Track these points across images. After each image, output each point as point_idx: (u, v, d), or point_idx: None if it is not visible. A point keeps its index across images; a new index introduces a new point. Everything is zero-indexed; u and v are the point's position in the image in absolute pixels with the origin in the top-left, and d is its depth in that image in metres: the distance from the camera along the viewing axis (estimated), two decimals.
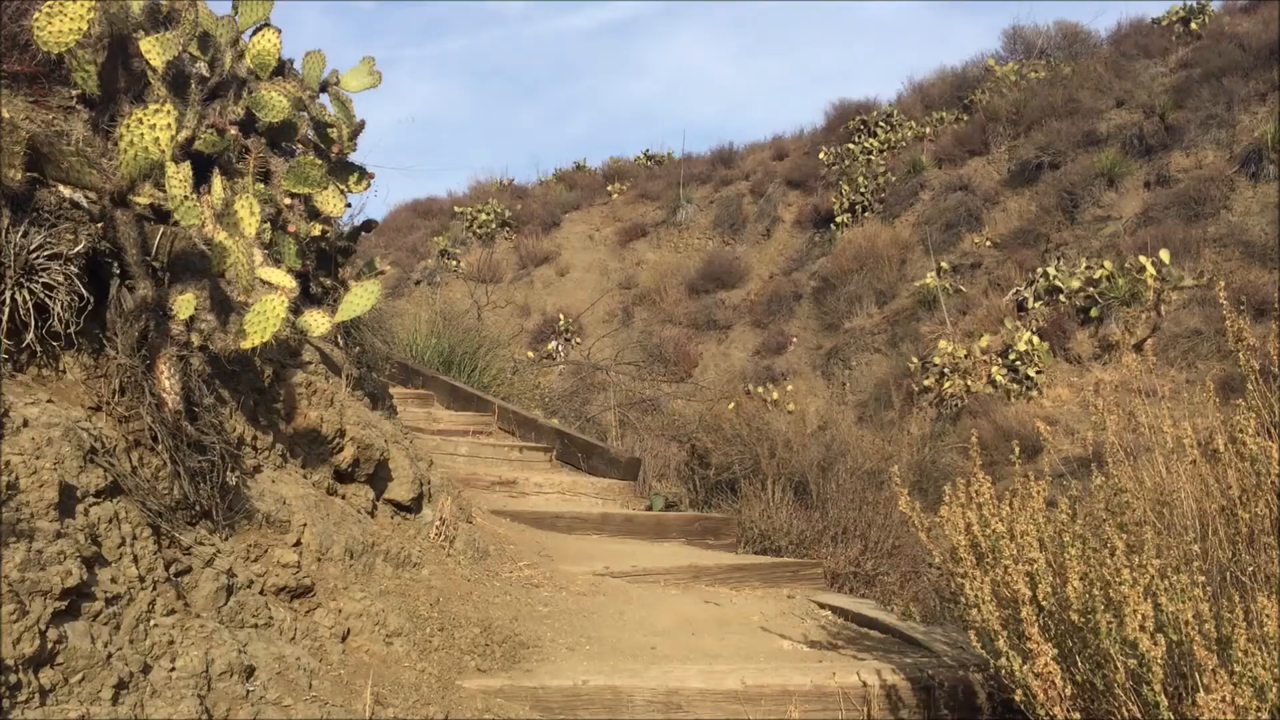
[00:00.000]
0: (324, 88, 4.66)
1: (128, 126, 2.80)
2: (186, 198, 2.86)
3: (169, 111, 2.80)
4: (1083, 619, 2.79)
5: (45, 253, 2.76)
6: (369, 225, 5.28)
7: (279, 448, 3.75)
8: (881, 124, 22.25)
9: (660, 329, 21.06)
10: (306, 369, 4.22)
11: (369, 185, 4.80)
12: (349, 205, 5.35)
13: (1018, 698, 2.94)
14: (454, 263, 23.64)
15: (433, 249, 24.40)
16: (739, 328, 20.72)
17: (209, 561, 2.97)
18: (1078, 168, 18.30)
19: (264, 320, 3.22)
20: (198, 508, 3.08)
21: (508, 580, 5.04)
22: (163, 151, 2.83)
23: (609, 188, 25.65)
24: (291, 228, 4.24)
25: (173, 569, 2.86)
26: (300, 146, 4.65)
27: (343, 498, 4.21)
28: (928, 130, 21.61)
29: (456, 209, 25.60)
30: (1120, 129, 18.40)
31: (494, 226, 24.64)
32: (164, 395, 2.93)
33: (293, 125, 4.47)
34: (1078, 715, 2.63)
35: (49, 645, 2.34)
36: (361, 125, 4.69)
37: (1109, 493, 3.18)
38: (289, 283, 4.03)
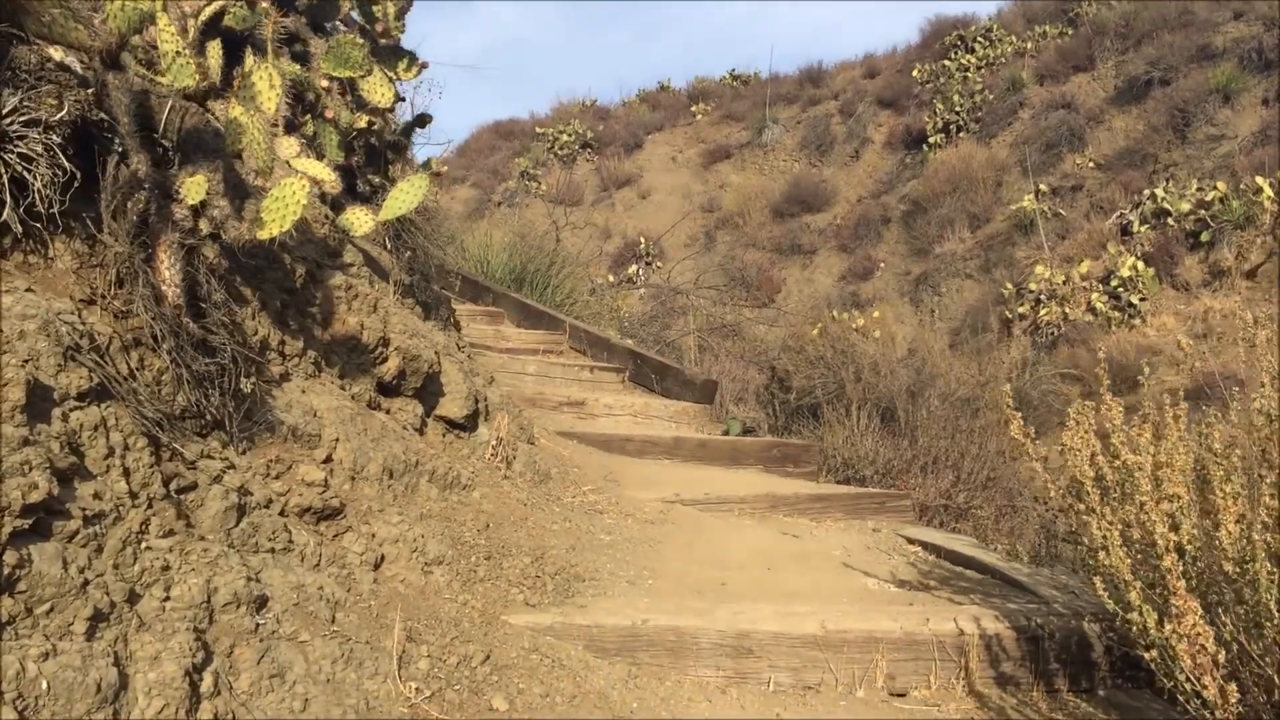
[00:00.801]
0: None
1: None
2: (179, 54, 2.46)
3: None
4: (1238, 569, 2.32)
5: (21, 118, 2.39)
6: (423, 120, 4.86)
7: (311, 354, 3.38)
8: (980, 39, 21.22)
9: (743, 253, 20.50)
10: (347, 271, 3.84)
11: (419, 72, 4.38)
12: (401, 98, 4.94)
13: (1149, 656, 2.48)
14: (535, 184, 23.24)
15: (513, 170, 24.02)
16: (824, 253, 20.08)
17: (217, 477, 2.62)
18: (1190, 84, 17.22)
19: (283, 207, 2.83)
20: (208, 417, 2.73)
21: (569, 505, 4.67)
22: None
23: (693, 108, 24.96)
24: (330, 113, 3.84)
25: (174, 485, 2.51)
26: (343, 27, 4.24)
27: (386, 412, 3.85)
28: (1029, 45, 20.55)
29: (538, 130, 25.15)
30: (1237, 42, 17.24)
31: (575, 148, 24.15)
32: (163, 287, 2.57)
33: (333, 2, 4.05)
34: (1233, 687, 2.15)
35: (6, 570, 2.00)
36: (409, 2, 4.25)
37: (1267, 418, 2.67)
38: (328, 176, 3.65)
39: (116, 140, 2.66)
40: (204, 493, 2.57)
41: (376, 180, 4.41)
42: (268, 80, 2.96)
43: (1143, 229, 15.13)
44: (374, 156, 4.50)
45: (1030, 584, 3.66)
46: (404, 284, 4.47)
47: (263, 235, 2.84)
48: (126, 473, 2.37)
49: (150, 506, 2.40)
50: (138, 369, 2.56)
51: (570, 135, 24.30)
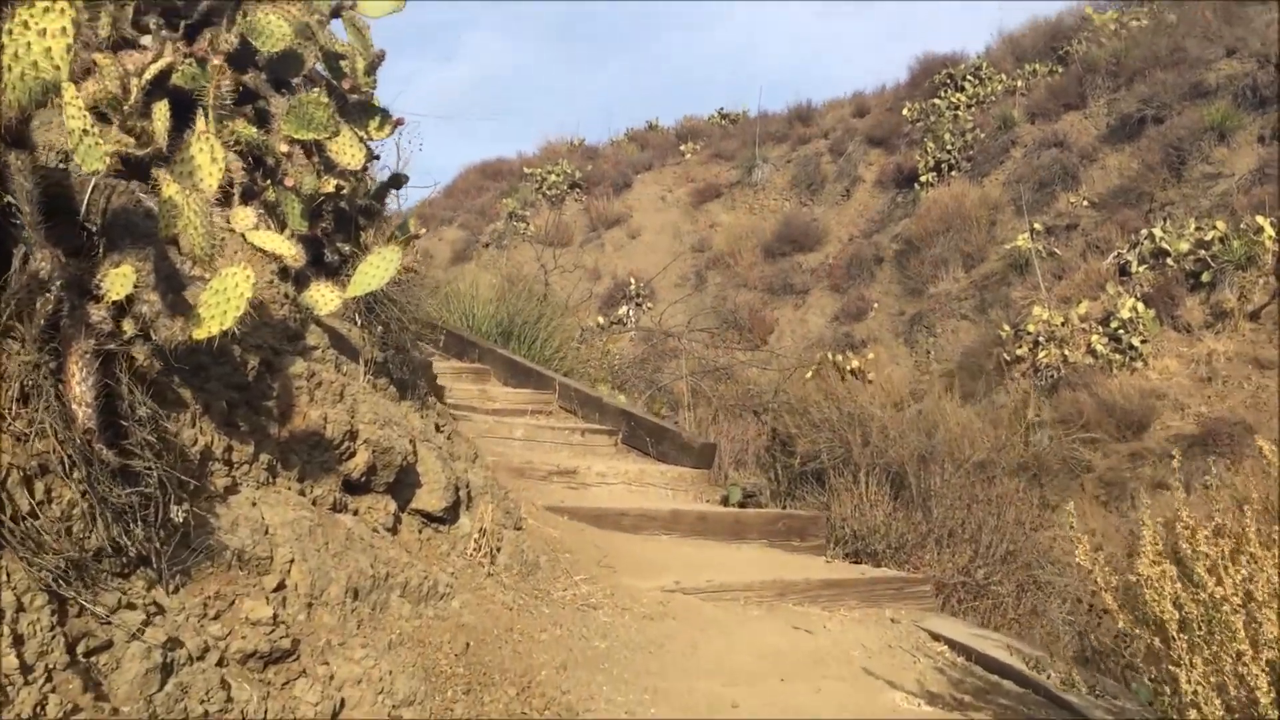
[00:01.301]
0: (337, 12, 3.83)
1: (8, 33, 1.98)
2: (86, 132, 2.04)
3: (64, 10, 1.97)
4: None
5: None
6: (398, 181, 4.45)
7: (265, 459, 2.95)
8: (969, 77, 20.98)
9: (734, 293, 20.13)
10: (310, 356, 3.41)
11: (393, 130, 3.97)
12: (375, 157, 4.54)
13: None
14: (523, 225, 22.87)
15: (501, 211, 23.65)
16: (817, 292, 19.71)
17: (137, 632, 2.18)
18: (1184, 121, 16.93)
19: (223, 301, 2.41)
20: (131, 554, 2.29)
21: (560, 602, 4.23)
22: (57, 68, 2.00)
23: (682, 147, 24.65)
24: (290, 181, 3.43)
25: (82, 648, 2.07)
26: (309, 84, 3.83)
27: (355, 513, 3.41)
28: (1019, 84, 20.29)
29: (526, 170, 24.79)
30: (1231, 80, 16.98)
31: (564, 188, 23.80)
32: (73, 406, 2.14)
33: (296, 56, 3.64)
34: None
35: None
36: (380, 57, 3.85)
37: None
38: (288, 250, 3.23)
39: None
40: (120, 652, 2.13)
41: (347, 249, 3.99)
42: (209, 153, 2.54)
43: (1141, 269, 14.79)
44: (344, 222, 4.09)
45: (1082, 707, 3.22)
46: (376, 362, 4.04)
47: (199, 335, 2.41)
48: (19, 641, 1.93)
49: (50, 680, 1.95)
50: (42, 504, 2.12)
51: (558, 175, 23.96)
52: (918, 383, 17.19)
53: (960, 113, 20.25)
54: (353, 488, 3.44)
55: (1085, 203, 17.34)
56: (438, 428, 4.43)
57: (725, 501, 6.58)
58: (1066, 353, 14.37)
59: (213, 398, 2.77)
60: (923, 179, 19.62)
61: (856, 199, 21.07)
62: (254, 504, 2.80)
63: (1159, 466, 12.36)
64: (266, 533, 2.75)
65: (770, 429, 7.74)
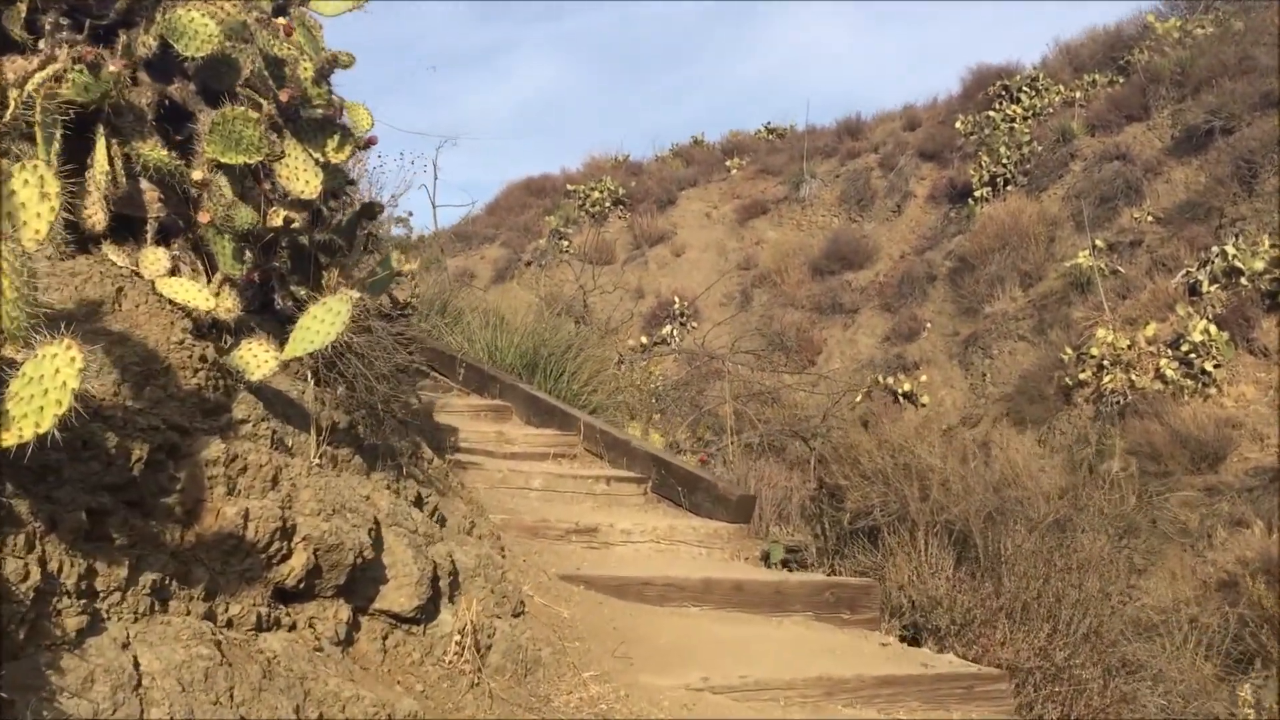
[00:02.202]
0: (282, 9, 3.14)
1: None
2: None
3: None
4: None
5: None
6: (370, 210, 3.75)
7: (149, 580, 2.25)
8: (1025, 89, 20.04)
9: (781, 313, 19.33)
10: (235, 433, 2.71)
11: (355, 153, 3.27)
12: (351, 182, 3.86)
13: None
14: (565, 243, 22.24)
15: (544, 228, 23.04)
16: (866, 312, 18.87)
17: None
18: (1255, 133, 15.93)
19: (39, 395, 1.70)
20: None
21: (562, 710, 3.50)
22: None
23: (728, 163, 23.92)
24: (205, 216, 2.73)
25: None
26: (253, 95, 3.14)
27: (290, 629, 2.70)
28: (1078, 95, 19.34)
29: (569, 187, 24.18)
30: None
31: (607, 205, 23.14)
32: None
33: (228, 62, 2.95)
34: None
35: None
36: (333, 61, 3.14)
37: None
38: (203, 301, 2.56)
39: None
40: None
41: (303, 293, 3.30)
42: (36, 188, 1.85)
43: (1213, 289, 13.81)
44: (302, 262, 3.39)
45: None
46: (339, 428, 3.33)
47: (8, 440, 1.71)
48: None
49: None
50: None
51: (602, 192, 23.31)
52: (973, 407, 16.31)
53: (1016, 125, 19.35)
54: (290, 596, 2.74)
55: (1150, 218, 16.39)
56: (419, 500, 3.71)
57: (766, 559, 5.83)
58: (1134, 378, 13.45)
59: (65, 508, 2.07)
60: (977, 194, 18.73)
61: (908, 215, 20.21)
62: (125, 645, 2.09)
63: (1237, 502, 11.43)
64: (138, 686, 2.04)
65: (817, 477, 6.97)
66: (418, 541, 3.27)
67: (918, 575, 5.14)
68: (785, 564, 5.88)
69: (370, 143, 3.53)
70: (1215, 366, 12.86)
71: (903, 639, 5.11)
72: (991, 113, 19.89)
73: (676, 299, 20.06)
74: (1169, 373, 13.11)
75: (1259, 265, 13.40)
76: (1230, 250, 13.84)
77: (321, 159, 3.21)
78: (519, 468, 6.18)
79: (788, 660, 4.18)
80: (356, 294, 3.26)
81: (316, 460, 3.06)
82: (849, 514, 5.69)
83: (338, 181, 3.70)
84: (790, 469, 7.50)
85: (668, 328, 19.97)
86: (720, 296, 20.27)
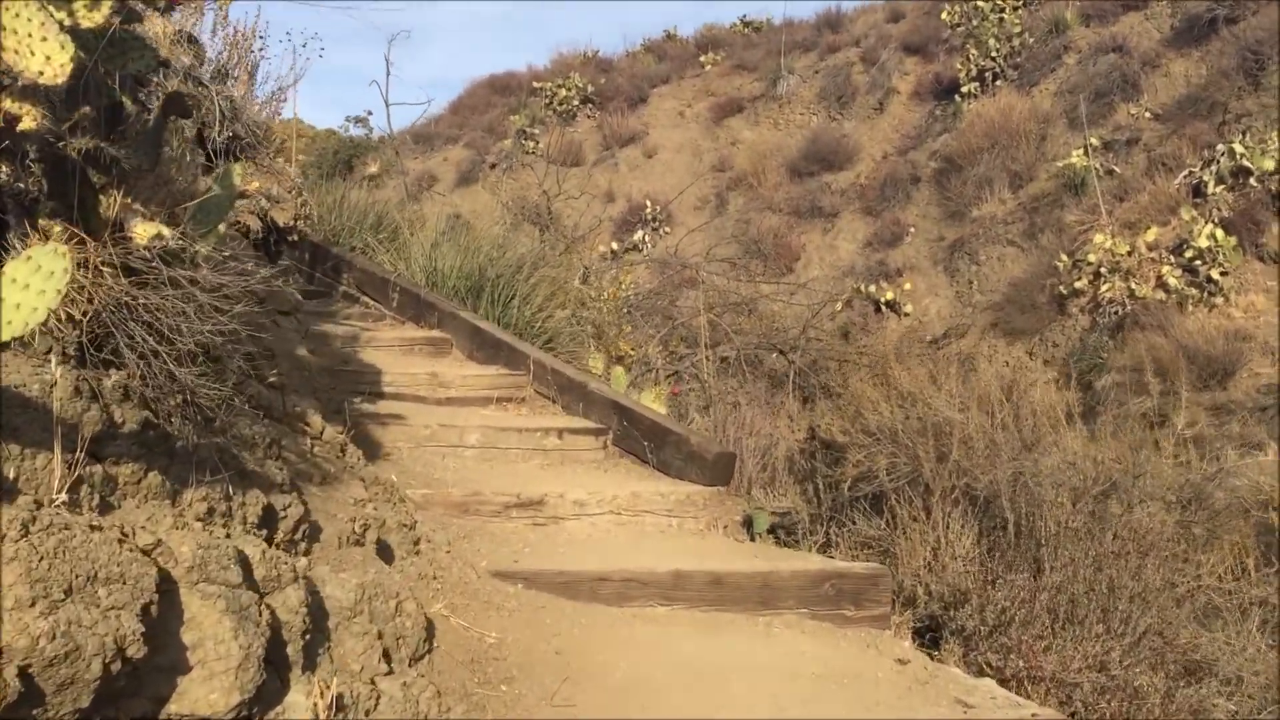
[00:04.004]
0: None
1: None
2: None
3: None
4: None
5: None
6: (179, 105, 2.55)
7: None
8: None
9: (758, 217, 18.09)
10: None
11: (114, 10, 2.07)
12: (164, 64, 2.67)
13: None
14: (532, 144, 20.82)
15: (509, 129, 21.58)
16: (847, 215, 17.66)
17: None
18: (1262, 21, 14.66)
19: None
20: None
21: None
22: None
23: (702, 59, 22.40)
24: None
25: None
26: None
27: None
28: None
29: (536, 84, 22.64)
30: None
31: (575, 104, 21.66)
32: None
33: None
34: None
35: None
36: None
37: None
38: None
39: None
40: None
41: (57, 228, 2.12)
42: None
43: (1219, 190, 12.68)
44: (62, 182, 2.21)
45: None
46: (120, 432, 2.19)
47: None
48: None
49: None
50: None
51: (570, 90, 21.79)
52: (959, 316, 15.25)
53: (1006, 15, 17.93)
54: None
55: (1148, 114, 15.17)
56: (268, 518, 2.59)
57: (748, 526, 4.77)
58: (1133, 286, 12.37)
59: None
60: (964, 90, 17.39)
61: (891, 112, 18.86)
62: None
63: (1248, 422, 10.50)
64: None
65: (810, 430, 5.88)
66: (244, 601, 2.15)
67: (935, 557, 4.11)
68: (772, 533, 4.82)
69: (172, 3, 2.33)
70: (1222, 274, 11.80)
71: (918, 635, 4.08)
72: (980, 2, 18.44)
73: (648, 203, 18.80)
74: (1172, 281, 12.04)
75: (1269, 164, 12.26)
76: (1238, 148, 12.68)
77: (69, 20, 2.01)
78: (453, 419, 5.06)
79: (783, 702, 3.13)
80: (152, 229, 2.11)
81: (60, 496, 1.92)
82: (849, 479, 4.65)
83: (142, 61, 2.50)
84: (775, 415, 6.37)
85: (639, 233, 18.76)
86: (694, 200, 18.99)
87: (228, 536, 2.26)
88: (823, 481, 4.83)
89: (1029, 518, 4.13)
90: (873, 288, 15.74)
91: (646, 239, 18.73)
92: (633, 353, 12.93)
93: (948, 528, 4.20)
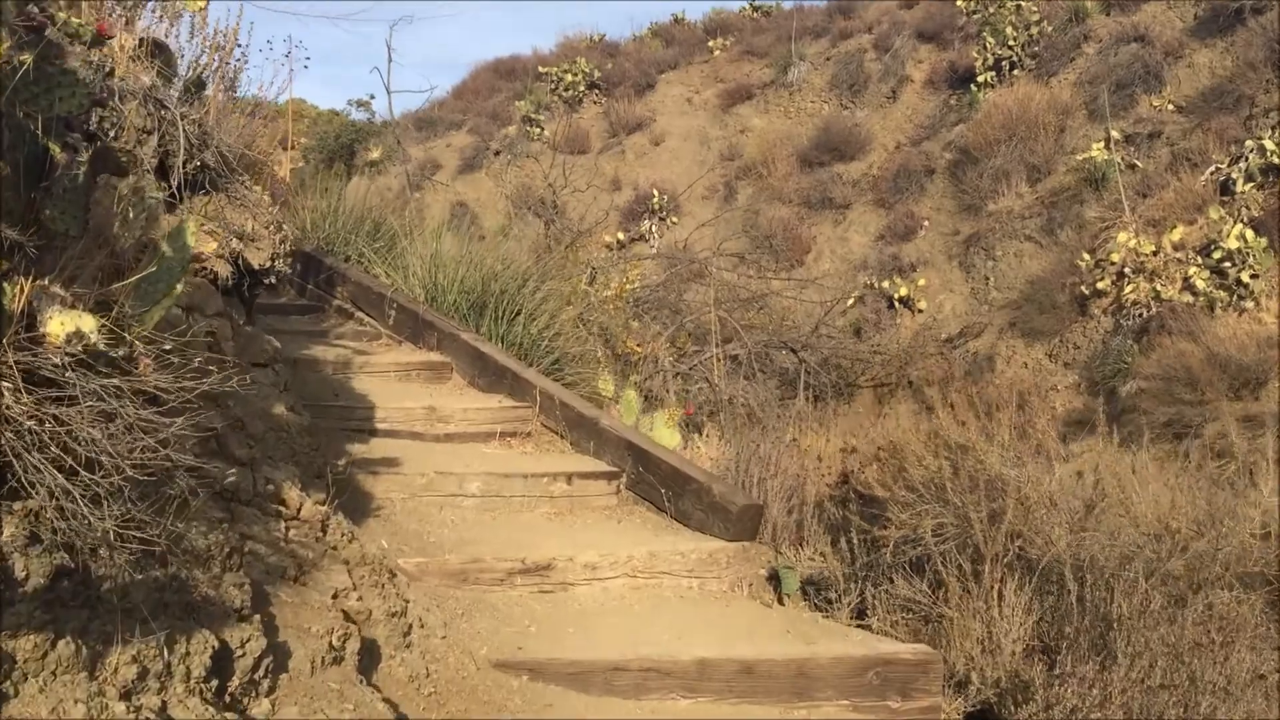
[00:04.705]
0: None
1: None
2: None
3: None
4: None
5: None
6: (107, 159, 2.05)
7: None
8: None
9: (768, 208, 17.56)
10: None
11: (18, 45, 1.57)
12: (100, 103, 2.30)
13: None
14: (537, 130, 20.27)
15: (514, 114, 21.01)
16: (859, 207, 17.13)
17: None
18: None
19: None
20: None
21: None
22: None
23: (710, 44, 21.80)
24: None
25: None
26: None
27: None
28: None
29: (541, 69, 22.03)
30: None
31: (581, 89, 21.08)
32: None
33: None
34: None
35: None
36: None
37: None
38: None
39: None
40: None
41: None
42: None
43: (1248, 188, 12.15)
44: None
45: None
46: (13, 595, 1.71)
47: None
48: None
49: None
50: None
51: (576, 75, 21.20)
52: (975, 314, 14.73)
53: (1023, 3, 17.33)
54: None
55: (1171, 107, 14.62)
56: (215, 665, 2.10)
57: (775, 583, 4.29)
58: (1159, 288, 11.85)
59: None
60: (980, 79, 16.82)
61: (904, 101, 18.29)
62: None
63: None
64: None
65: (841, 476, 5.41)
66: None
67: (989, 634, 3.64)
68: (802, 591, 4.35)
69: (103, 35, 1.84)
70: (1252, 277, 11.28)
71: None
72: None
73: (655, 192, 18.27)
74: (1199, 283, 11.52)
75: None
76: (1268, 145, 12.14)
77: None
78: (452, 463, 4.57)
79: None
80: (69, 323, 1.63)
81: None
82: (890, 542, 4.16)
83: (73, 101, 2.02)
84: (802, 458, 5.86)
85: (646, 223, 18.25)
86: (703, 189, 18.46)
87: (163, 708, 1.78)
88: (857, 535, 4.36)
89: (1095, 588, 3.66)
90: (886, 283, 15.24)
91: (653, 229, 18.23)
92: (640, 350, 12.42)
93: (1001, 598, 3.74)
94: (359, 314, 6.36)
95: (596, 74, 21.24)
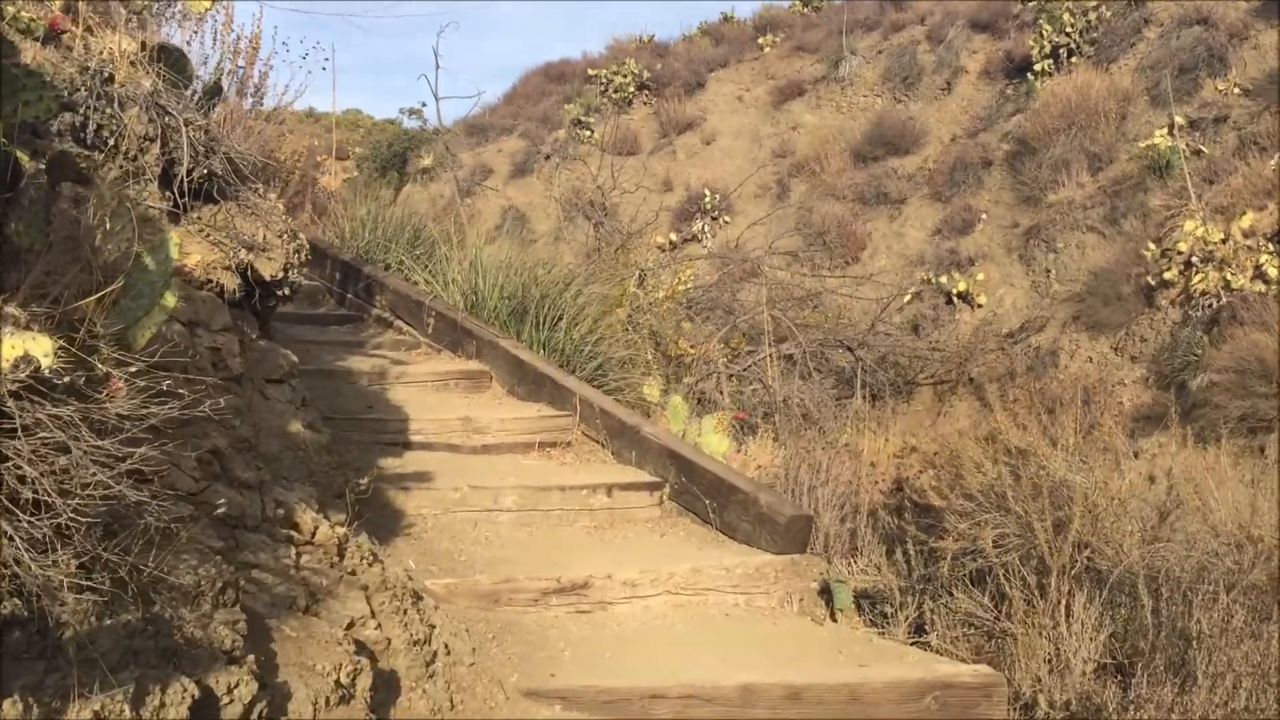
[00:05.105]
0: None
1: None
2: None
3: None
4: None
5: None
6: (64, 165, 1.87)
7: None
8: None
9: (821, 205, 17.23)
10: None
11: None
12: (68, 107, 2.18)
13: None
14: (587, 132, 20.11)
15: (565, 118, 20.88)
16: (915, 202, 16.74)
17: None
18: None
19: None
20: None
21: None
22: None
23: (760, 41, 21.49)
24: None
25: None
26: None
27: None
28: None
29: (591, 72, 21.88)
30: None
31: (631, 90, 20.88)
32: None
33: None
34: None
35: None
36: None
37: None
38: None
39: None
40: None
41: None
42: None
43: None
44: None
45: None
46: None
47: None
48: None
49: None
50: None
51: (625, 76, 21.00)
52: (1037, 308, 14.29)
53: None
54: None
55: (1237, 90, 14.07)
56: (201, 711, 1.91)
57: (826, 597, 4.04)
58: (1229, 277, 11.36)
59: None
60: (1037, 67, 16.35)
61: (959, 93, 17.85)
62: None
63: None
64: None
65: (895, 483, 5.14)
66: None
67: (1057, 653, 3.36)
68: (856, 607, 4.10)
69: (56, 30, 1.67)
70: None
71: None
72: None
73: (707, 191, 18.02)
74: (1272, 271, 11.02)
75: None
76: None
77: None
78: (487, 476, 4.38)
79: None
80: (18, 346, 1.46)
81: None
82: (949, 554, 3.90)
83: (40, 105, 1.85)
84: (855, 462, 5.57)
85: (698, 223, 18.01)
86: (754, 188, 18.17)
87: None
88: (913, 546, 4.10)
89: (1171, 602, 3.37)
90: (944, 278, 14.86)
91: (706, 229, 17.98)
92: (692, 351, 12.19)
93: (1069, 613, 3.46)
94: (398, 322, 6.21)
95: (646, 74, 21.04)
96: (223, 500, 2.33)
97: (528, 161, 20.09)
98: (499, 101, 22.54)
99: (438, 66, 12.04)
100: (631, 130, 19.96)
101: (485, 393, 5.49)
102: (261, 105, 3.99)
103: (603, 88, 21.11)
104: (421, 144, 20.81)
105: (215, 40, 4.07)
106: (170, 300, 2.18)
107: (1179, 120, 13.98)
